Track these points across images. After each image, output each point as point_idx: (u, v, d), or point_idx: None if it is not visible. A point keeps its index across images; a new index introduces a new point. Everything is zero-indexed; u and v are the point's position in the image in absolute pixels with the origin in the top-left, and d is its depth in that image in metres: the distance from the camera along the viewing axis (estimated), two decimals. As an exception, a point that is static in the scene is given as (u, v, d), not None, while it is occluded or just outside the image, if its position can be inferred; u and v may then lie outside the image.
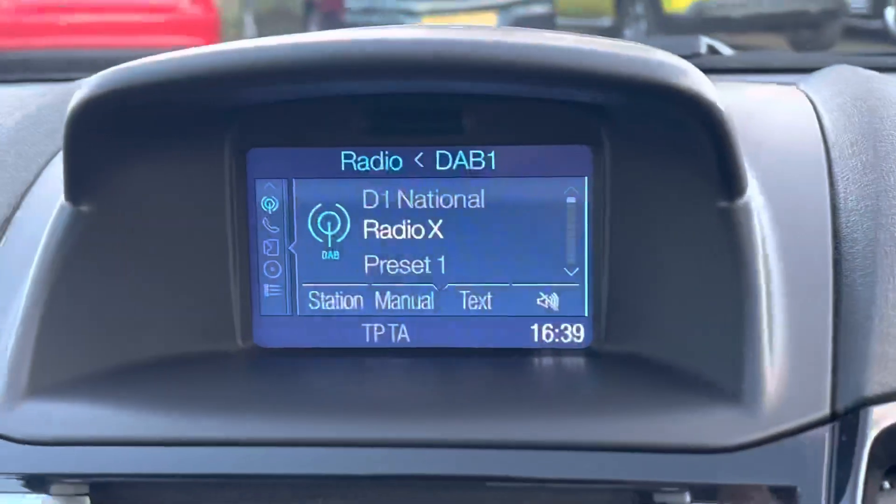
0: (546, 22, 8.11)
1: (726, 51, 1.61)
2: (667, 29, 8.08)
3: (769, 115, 0.96)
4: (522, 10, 8.19)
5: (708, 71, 0.86)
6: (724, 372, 0.74)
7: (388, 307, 0.88)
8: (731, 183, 0.76)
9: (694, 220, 0.79)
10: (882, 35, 7.96)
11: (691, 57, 1.58)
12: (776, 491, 0.70)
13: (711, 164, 0.76)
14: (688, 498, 0.69)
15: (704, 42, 1.58)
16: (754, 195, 0.79)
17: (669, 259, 0.81)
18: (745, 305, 0.74)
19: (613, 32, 8.47)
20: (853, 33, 8.87)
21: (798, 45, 8.63)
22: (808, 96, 1.06)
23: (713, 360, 0.75)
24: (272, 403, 0.77)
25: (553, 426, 0.73)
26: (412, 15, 7.72)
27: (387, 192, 0.87)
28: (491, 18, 8.01)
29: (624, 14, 8.81)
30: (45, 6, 6.54)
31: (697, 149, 0.76)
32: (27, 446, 0.70)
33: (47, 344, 0.76)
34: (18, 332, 0.76)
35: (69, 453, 0.70)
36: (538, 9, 8.31)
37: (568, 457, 0.71)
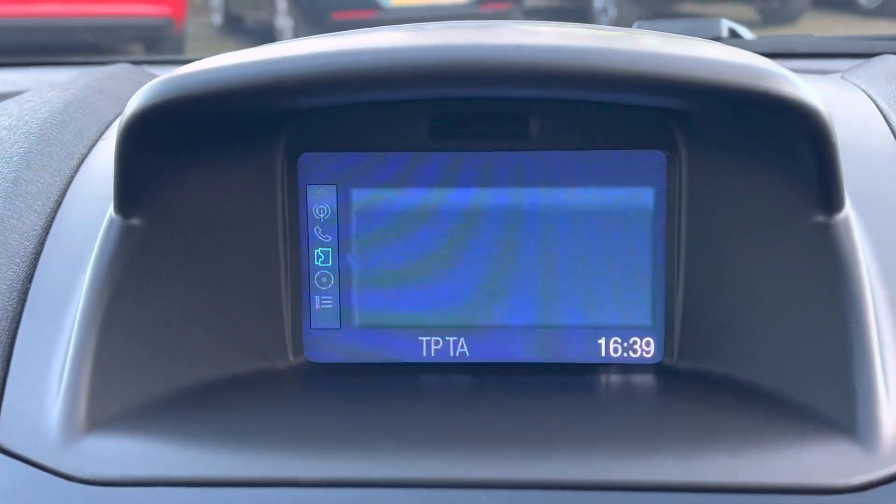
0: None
1: (747, 35, 1.56)
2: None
3: (837, 116, 0.92)
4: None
5: None
6: (831, 400, 0.68)
7: (447, 320, 0.83)
8: (831, 196, 0.71)
9: (786, 235, 0.74)
10: (849, 5, 7.96)
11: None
12: None
13: (808, 176, 0.71)
14: None
15: (726, 25, 1.53)
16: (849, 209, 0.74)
17: (755, 274, 0.76)
18: (852, 328, 0.69)
19: None
20: (821, 3, 8.88)
21: (766, 14, 8.62)
22: (865, 91, 1.02)
23: (816, 386, 0.70)
24: (334, 437, 0.71)
25: (644, 463, 0.66)
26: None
27: (447, 198, 0.82)
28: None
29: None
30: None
31: (792, 158, 0.72)
32: (90, 486, 0.65)
33: (103, 373, 0.71)
34: (73, 362, 0.70)
35: (133, 494, 0.65)
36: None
37: (661, 499, 0.64)
